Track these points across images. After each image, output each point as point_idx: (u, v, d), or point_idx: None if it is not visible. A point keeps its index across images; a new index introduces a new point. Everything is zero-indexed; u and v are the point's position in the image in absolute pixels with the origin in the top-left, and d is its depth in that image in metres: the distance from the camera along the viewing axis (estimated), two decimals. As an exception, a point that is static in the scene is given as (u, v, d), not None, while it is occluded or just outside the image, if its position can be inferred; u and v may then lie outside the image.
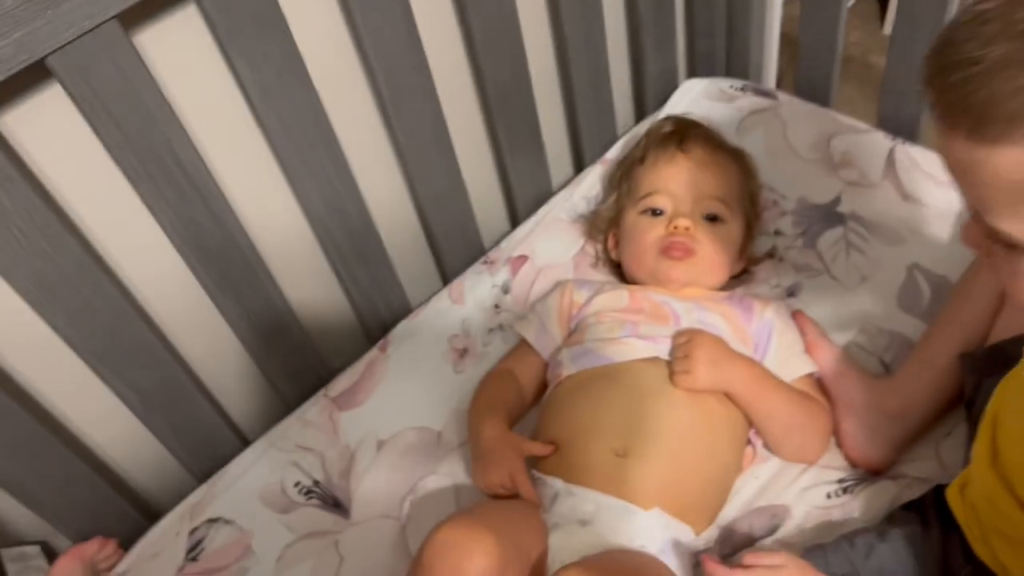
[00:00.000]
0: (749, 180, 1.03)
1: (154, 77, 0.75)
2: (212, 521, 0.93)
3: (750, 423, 0.88)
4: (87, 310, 0.79)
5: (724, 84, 1.26)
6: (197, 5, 0.76)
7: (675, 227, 0.95)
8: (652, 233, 0.97)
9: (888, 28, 2.05)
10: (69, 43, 0.67)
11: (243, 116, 0.85)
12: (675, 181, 0.98)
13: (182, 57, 0.79)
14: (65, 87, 0.70)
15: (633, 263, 1.00)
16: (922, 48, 1.03)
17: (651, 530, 0.79)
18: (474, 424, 0.92)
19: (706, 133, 1.04)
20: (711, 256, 0.96)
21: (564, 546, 0.78)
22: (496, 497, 0.85)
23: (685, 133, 1.02)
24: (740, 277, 1.04)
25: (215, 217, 0.84)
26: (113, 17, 0.68)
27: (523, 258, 1.12)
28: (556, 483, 0.83)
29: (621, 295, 0.96)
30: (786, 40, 1.39)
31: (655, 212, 0.98)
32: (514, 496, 0.83)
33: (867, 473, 0.87)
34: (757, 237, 1.05)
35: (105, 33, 0.69)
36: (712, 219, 0.97)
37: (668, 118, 1.10)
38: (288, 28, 0.80)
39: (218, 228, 0.84)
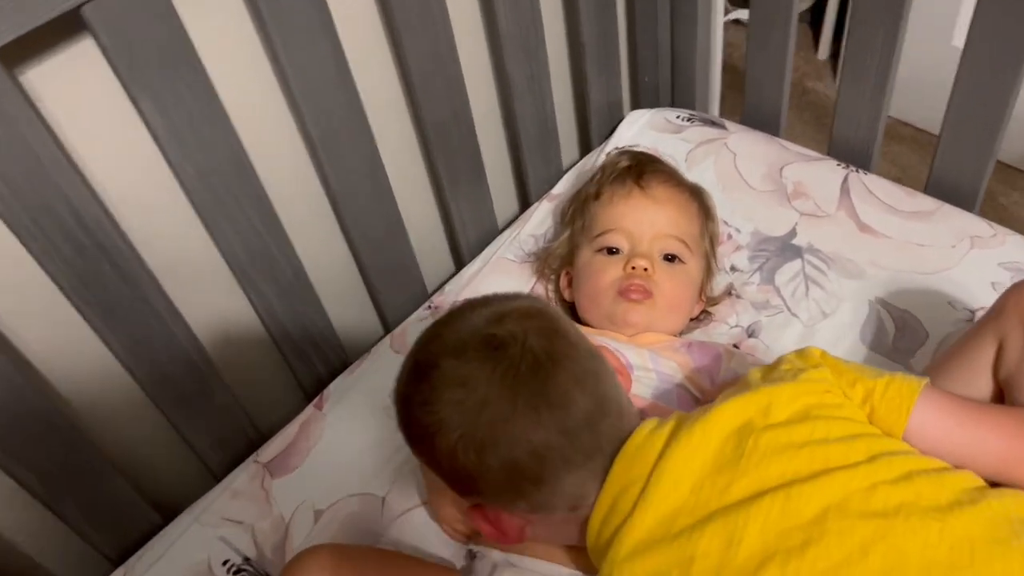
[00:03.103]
0: (708, 219, 0.99)
1: (44, 120, 0.66)
2: (130, 610, 0.84)
3: None
4: (-28, 387, 0.69)
5: (671, 115, 1.22)
6: (94, 39, 0.68)
7: (632, 267, 0.90)
8: (608, 274, 0.92)
9: (823, 54, 2.06)
10: (-62, 84, 0.59)
11: (153, 162, 0.76)
12: (632, 219, 0.93)
13: (79, 97, 0.70)
14: (-65, 134, 0.61)
15: (588, 305, 0.94)
16: (875, 74, 1.03)
17: None
18: None
19: (665, 169, 1.00)
20: (670, 298, 0.91)
21: None
22: (460, 536, 0.81)
23: (643, 168, 0.97)
24: (699, 318, 0.99)
25: (122, 274, 0.75)
26: (-9, 53, 0.60)
27: (468, 302, 1.05)
28: (494, 554, 0.76)
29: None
30: (724, 68, 1.38)
31: (611, 251, 0.93)
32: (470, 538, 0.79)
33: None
34: (715, 275, 1.01)
35: (-18, 71, 0.61)
36: (671, 259, 0.92)
37: (624, 152, 1.05)
38: (200, 63, 0.73)
39: (125, 286, 0.76)
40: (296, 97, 0.82)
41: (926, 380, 0.64)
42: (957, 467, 0.61)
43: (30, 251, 0.69)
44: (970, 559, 0.54)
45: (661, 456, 0.62)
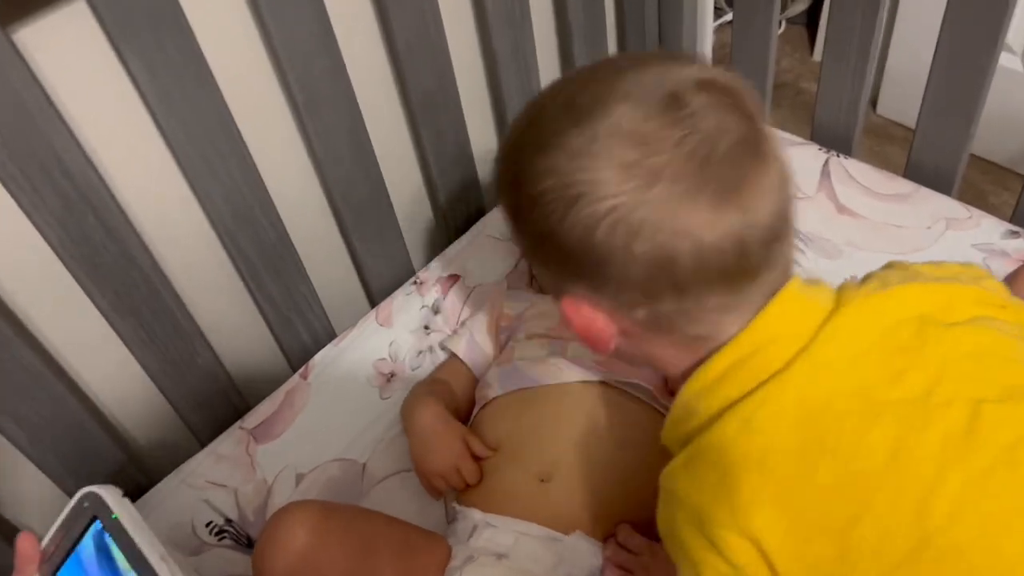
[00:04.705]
0: None
1: (36, 76, 0.68)
2: (112, 568, 0.85)
3: None
4: (-41, 334, 0.71)
5: (657, 100, 1.24)
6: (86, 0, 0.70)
7: None
8: None
9: (818, 55, 2.09)
10: (-69, 33, 0.61)
11: (141, 121, 0.78)
12: None
13: (69, 56, 0.72)
14: (-72, 83, 0.63)
15: None
16: (855, 57, 1.04)
17: (575, 556, 0.74)
18: (410, 408, 0.87)
19: None
20: None
21: None
22: (436, 492, 0.82)
23: None
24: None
25: (109, 231, 0.77)
26: (-17, 6, 0.63)
27: (454, 277, 1.07)
28: (474, 514, 0.78)
29: (552, 311, 0.92)
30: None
31: None
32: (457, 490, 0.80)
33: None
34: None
35: (-25, 24, 0.63)
36: None
37: None
38: (188, 24, 0.75)
39: (113, 243, 0.77)
40: (282, 62, 0.84)
41: None
42: None
43: (19, 203, 0.71)
44: None
45: (831, 315, 0.52)
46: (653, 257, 0.49)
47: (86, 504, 0.56)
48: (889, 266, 0.60)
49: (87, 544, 0.56)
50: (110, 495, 0.56)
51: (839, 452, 0.49)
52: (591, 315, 0.54)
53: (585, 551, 0.75)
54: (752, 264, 0.51)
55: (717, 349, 0.53)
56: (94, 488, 0.56)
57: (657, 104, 0.49)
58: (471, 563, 0.74)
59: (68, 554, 0.56)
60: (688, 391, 0.54)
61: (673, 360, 0.56)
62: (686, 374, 0.55)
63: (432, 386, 0.92)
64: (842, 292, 0.54)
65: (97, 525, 0.56)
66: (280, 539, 0.72)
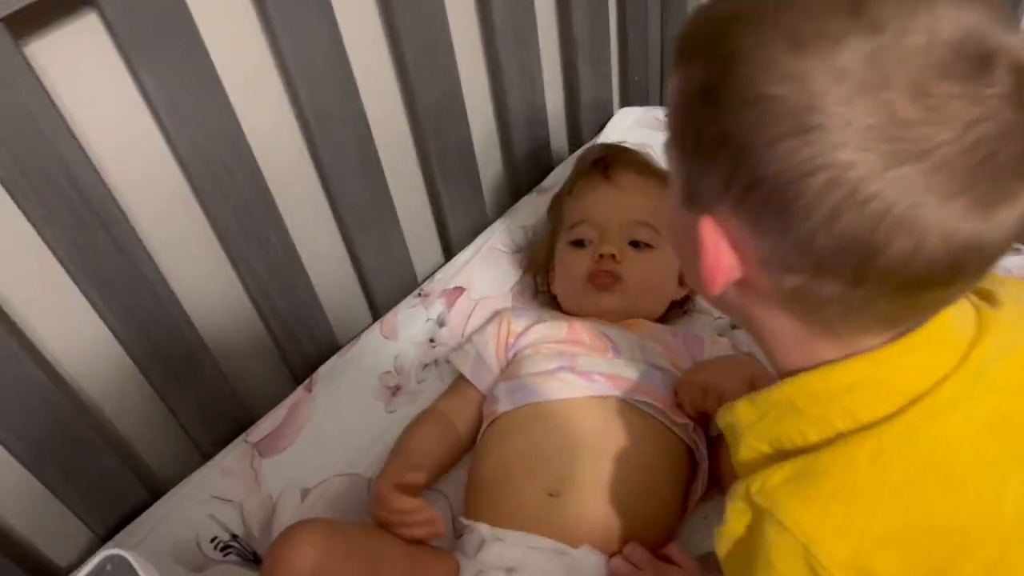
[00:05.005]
0: None
1: (47, 90, 0.68)
2: (116, 584, 0.84)
3: None
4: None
5: (659, 112, 1.25)
6: (98, 13, 0.69)
7: (600, 255, 0.92)
8: (580, 266, 0.94)
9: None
10: (-54, 48, 0.60)
11: (151, 135, 0.78)
12: (599, 208, 0.94)
13: (81, 69, 0.72)
14: (-59, 98, 0.63)
15: (566, 297, 0.97)
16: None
17: (584, 570, 0.74)
18: None
19: (634, 158, 1.01)
20: (641, 283, 0.92)
21: None
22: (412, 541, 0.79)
23: (611, 159, 0.99)
24: (683, 307, 1.01)
25: (118, 245, 0.76)
26: (-1, 21, 0.62)
27: (459, 290, 1.07)
28: (482, 529, 0.77)
29: (560, 325, 0.92)
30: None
31: (582, 243, 0.95)
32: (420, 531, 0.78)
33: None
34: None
35: (-11, 38, 0.62)
36: (639, 245, 0.93)
37: (597, 145, 1.08)
38: (200, 39, 0.75)
39: (121, 257, 0.77)
40: (292, 77, 0.84)
41: None
42: None
43: (28, 217, 0.71)
44: None
45: (974, 344, 0.47)
46: (855, 238, 0.40)
47: (108, 567, 0.55)
48: (1001, 282, 0.53)
49: None
50: (137, 561, 0.55)
51: (982, 501, 0.45)
52: (725, 251, 0.45)
53: (593, 565, 0.75)
54: (953, 285, 0.43)
55: (847, 356, 0.46)
56: (118, 551, 0.55)
57: (964, 61, 0.38)
58: None
59: None
60: (801, 386, 0.48)
61: (784, 343, 0.48)
62: (794, 369, 0.48)
63: (410, 433, 0.90)
64: (979, 315, 0.48)
65: None
66: (287, 559, 0.72)
